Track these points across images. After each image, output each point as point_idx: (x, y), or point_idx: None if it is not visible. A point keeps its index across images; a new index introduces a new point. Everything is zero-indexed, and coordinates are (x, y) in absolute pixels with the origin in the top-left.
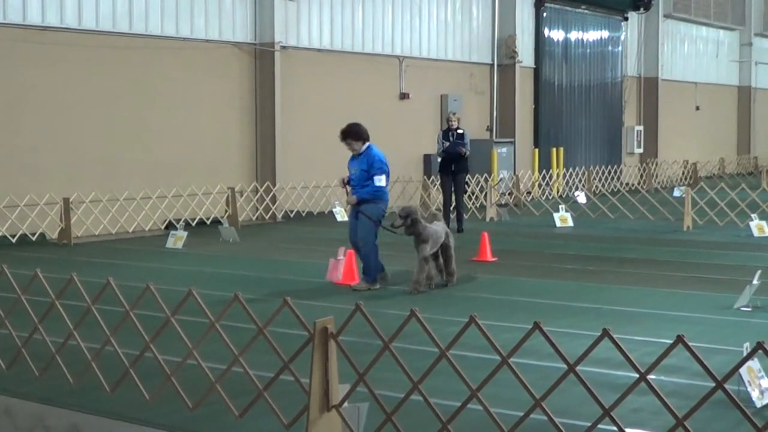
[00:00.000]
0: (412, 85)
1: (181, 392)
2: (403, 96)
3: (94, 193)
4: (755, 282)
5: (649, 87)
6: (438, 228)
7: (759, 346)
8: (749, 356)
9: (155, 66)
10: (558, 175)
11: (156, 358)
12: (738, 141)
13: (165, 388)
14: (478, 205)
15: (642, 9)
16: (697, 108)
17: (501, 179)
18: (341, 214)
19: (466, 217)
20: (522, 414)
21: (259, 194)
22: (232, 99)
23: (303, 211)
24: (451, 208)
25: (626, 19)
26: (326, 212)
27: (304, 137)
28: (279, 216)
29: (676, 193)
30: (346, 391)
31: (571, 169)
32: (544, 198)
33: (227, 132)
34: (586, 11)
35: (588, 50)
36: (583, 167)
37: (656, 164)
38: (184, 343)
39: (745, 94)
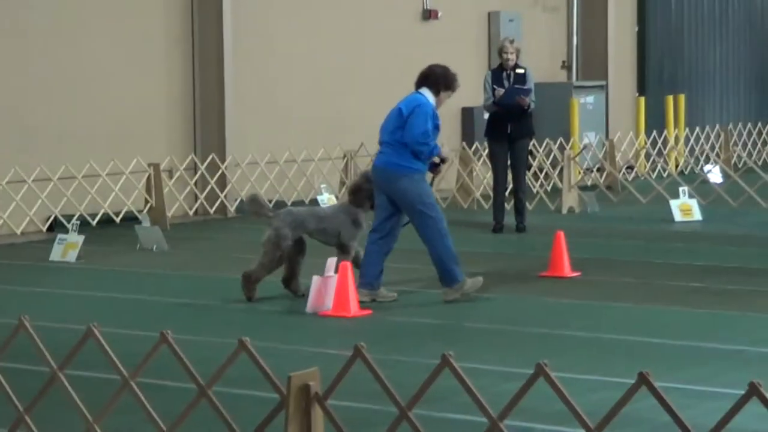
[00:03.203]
0: None
1: None
2: (429, 14)
3: None
4: None
5: None
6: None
7: None
8: None
9: None
10: (677, 140)
11: None
12: None
13: None
14: (549, 189)
15: None
16: None
17: (585, 147)
18: (330, 204)
19: (529, 207)
20: None
21: (198, 174)
22: (153, 28)
23: (270, 201)
24: (507, 192)
25: None
26: (306, 201)
27: (272, 85)
28: (231, 209)
29: None
30: None
31: (698, 130)
32: (654, 176)
33: (147, 81)
34: None
35: None
36: (718, 126)
37: None
38: (80, 414)
39: None
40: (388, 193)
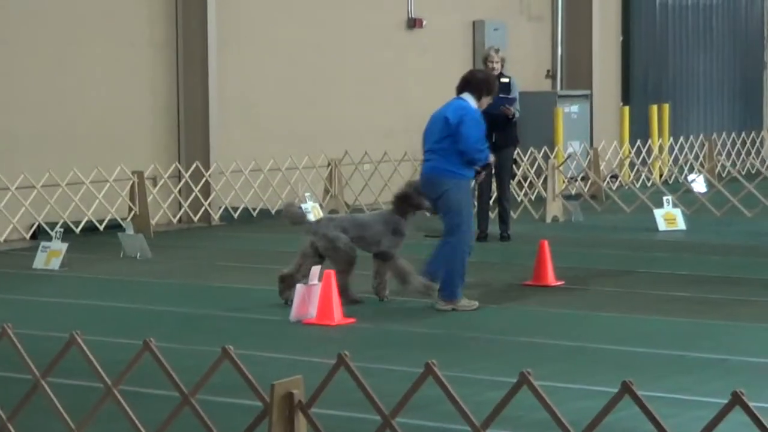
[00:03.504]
0: (426, 6)
1: None
2: (414, 23)
3: None
4: None
5: None
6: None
7: None
8: None
9: None
10: (662, 149)
11: None
12: None
13: None
14: (533, 198)
15: None
16: None
17: (570, 156)
18: (314, 214)
19: (513, 216)
20: None
21: (182, 182)
22: (138, 34)
23: (253, 209)
24: (491, 201)
25: None
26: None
27: (256, 94)
28: (215, 216)
29: None
30: None
31: (682, 139)
32: (639, 185)
33: (132, 89)
34: None
35: None
36: (702, 135)
37: None
38: (63, 422)
39: None
40: (433, 197)
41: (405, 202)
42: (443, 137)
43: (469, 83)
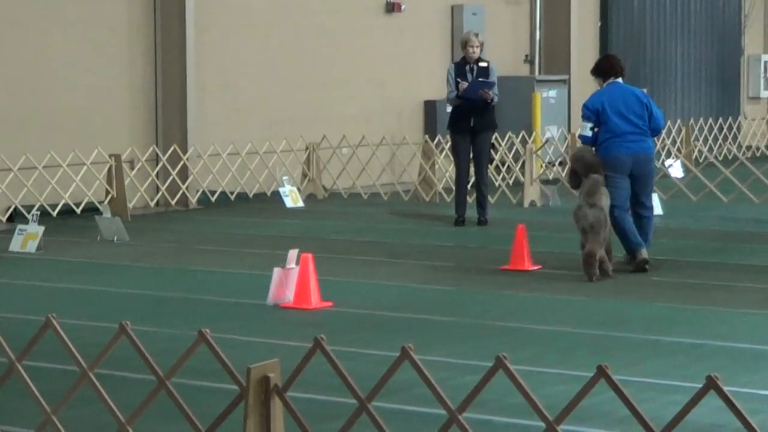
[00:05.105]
0: None
1: None
2: (392, 7)
3: None
4: None
5: None
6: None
7: None
8: None
9: None
10: None
11: None
12: None
13: None
14: (511, 182)
15: None
16: None
17: (547, 140)
18: (292, 198)
19: (491, 200)
20: None
21: (160, 166)
22: (115, 17)
23: (231, 193)
24: (469, 185)
25: None
26: (269, 194)
27: (234, 77)
28: (193, 200)
29: None
30: None
31: None
32: None
33: (109, 71)
34: None
35: None
36: (679, 121)
37: None
38: (37, 406)
39: None
40: (643, 174)
41: (594, 170)
42: (643, 115)
43: (624, 69)
